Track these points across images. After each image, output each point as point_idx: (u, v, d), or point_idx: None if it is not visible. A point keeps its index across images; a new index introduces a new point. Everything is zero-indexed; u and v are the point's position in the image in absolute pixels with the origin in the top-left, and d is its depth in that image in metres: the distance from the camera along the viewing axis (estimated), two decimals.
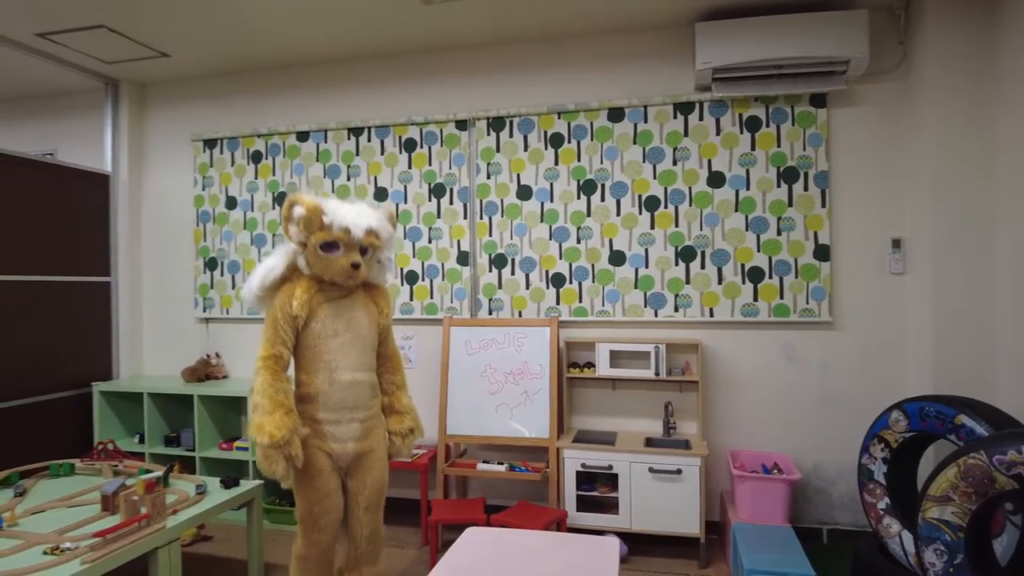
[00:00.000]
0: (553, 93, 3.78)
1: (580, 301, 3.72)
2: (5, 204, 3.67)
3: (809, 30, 3.16)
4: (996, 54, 3.02)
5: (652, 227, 3.63)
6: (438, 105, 3.96)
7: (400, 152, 4.01)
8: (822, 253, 3.42)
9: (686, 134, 3.59)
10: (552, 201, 3.77)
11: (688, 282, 3.59)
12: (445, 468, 3.58)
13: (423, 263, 3.97)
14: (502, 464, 3.52)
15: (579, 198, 3.73)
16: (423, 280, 3.98)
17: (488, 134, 3.86)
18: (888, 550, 2.72)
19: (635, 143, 3.65)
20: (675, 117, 3.60)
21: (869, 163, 3.40)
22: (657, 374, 3.46)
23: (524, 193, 3.81)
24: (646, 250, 3.64)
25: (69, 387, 4.04)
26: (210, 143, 4.38)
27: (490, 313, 3.87)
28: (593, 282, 3.71)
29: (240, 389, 3.84)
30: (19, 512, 2.57)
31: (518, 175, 3.82)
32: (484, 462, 3.57)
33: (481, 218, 3.88)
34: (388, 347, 2.62)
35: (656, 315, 3.62)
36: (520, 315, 3.82)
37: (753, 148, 3.51)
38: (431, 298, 3.96)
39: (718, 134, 3.55)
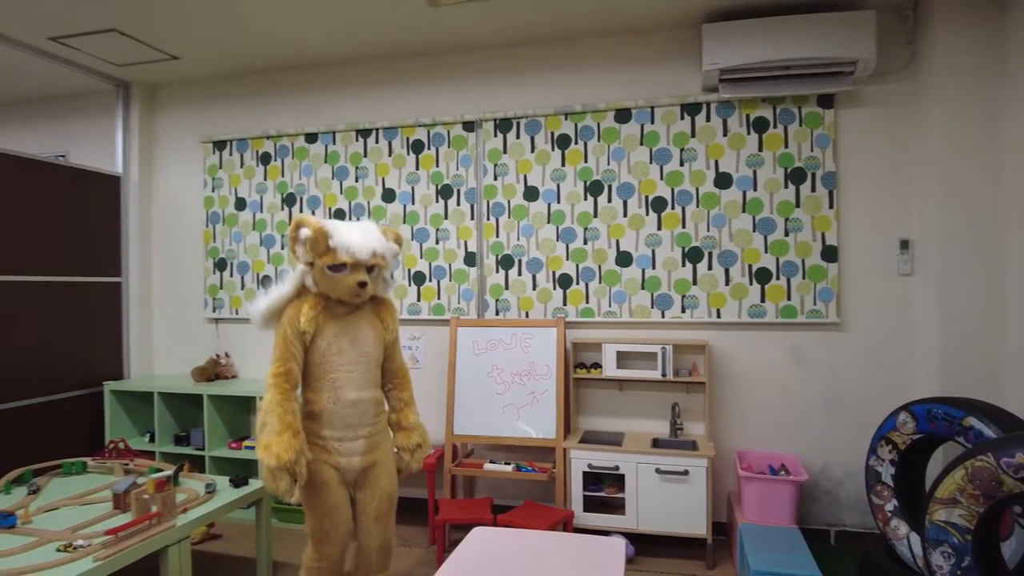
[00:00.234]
0: (560, 94, 3.79)
1: (587, 302, 3.73)
2: (19, 205, 3.71)
3: (816, 31, 3.15)
4: (1005, 55, 3.00)
5: (659, 228, 3.63)
6: (445, 107, 3.98)
7: (408, 153, 4.03)
8: (830, 254, 3.41)
9: (693, 135, 3.59)
10: (559, 202, 3.78)
11: (695, 283, 3.59)
12: (452, 468, 3.60)
13: (430, 264, 3.99)
14: (509, 464, 3.53)
15: (586, 199, 3.74)
16: (430, 281, 3.99)
17: (495, 135, 3.88)
18: (896, 552, 2.71)
19: (642, 144, 3.65)
20: (682, 118, 3.60)
21: (877, 164, 3.39)
22: (664, 375, 3.46)
23: (531, 194, 3.82)
24: (653, 251, 3.64)
25: (81, 386, 4.08)
26: (219, 145, 4.41)
27: (497, 314, 3.88)
28: (600, 283, 3.71)
29: (249, 389, 3.87)
30: (33, 510, 2.60)
31: (525, 176, 3.83)
32: (491, 462, 3.58)
33: (488, 219, 3.89)
34: (395, 362, 2.63)
35: (663, 316, 3.63)
36: (527, 316, 3.83)
37: (760, 149, 3.50)
38: (438, 299, 3.98)
39: (725, 135, 3.55)
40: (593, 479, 3.38)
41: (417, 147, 4.01)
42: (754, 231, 3.51)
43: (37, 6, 3.29)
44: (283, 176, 4.27)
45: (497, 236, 3.88)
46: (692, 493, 3.19)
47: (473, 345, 3.73)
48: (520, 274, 3.84)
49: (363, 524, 2.49)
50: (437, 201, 3.98)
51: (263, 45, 3.85)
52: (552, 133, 3.79)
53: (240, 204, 4.37)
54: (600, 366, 3.61)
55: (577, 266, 3.75)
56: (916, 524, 2.63)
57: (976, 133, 3.06)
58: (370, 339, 2.49)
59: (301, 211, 4.22)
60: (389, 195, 4.06)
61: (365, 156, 4.11)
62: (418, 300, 4.01)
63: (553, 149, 3.79)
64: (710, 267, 3.57)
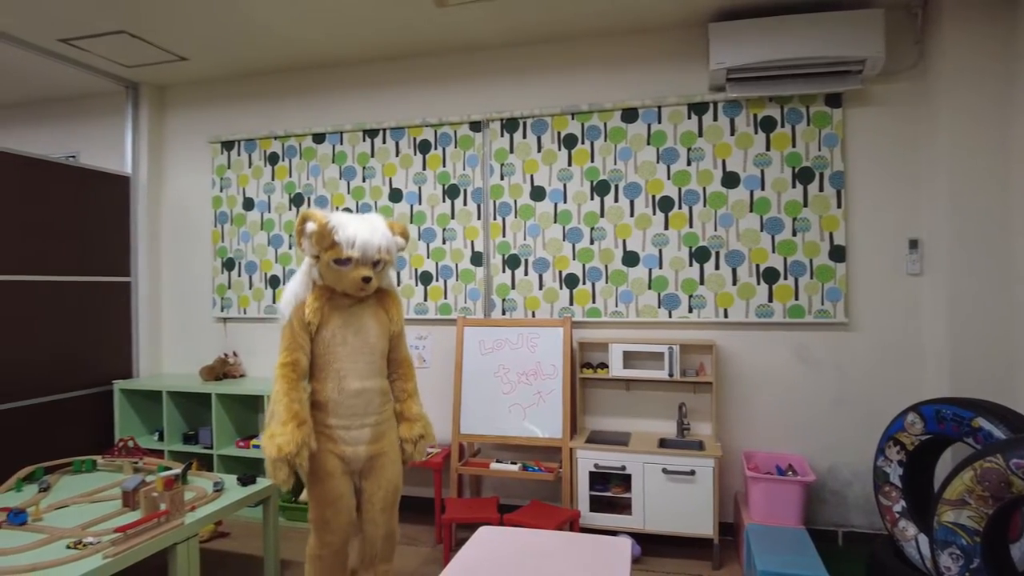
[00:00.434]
0: (567, 94, 3.79)
1: (593, 302, 3.73)
2: (30, 205, 3.75)
3: (824, 30, 3.14)
4: (1015, 55, 2.98)
5: (666, 228, 3.63)
6: (452, 107, 3.99)
7: (415, 153, 4.04)
8: (838, 254, 3.40)
9: (700, 134, 3.58)
10: (565, 202, 3.78)
11: (702, 283, 3.58)
12: (459, 467, 3.61)
13: (437, 263, 4.00)
14: (515, 464, 3.53)
15: (592, 199, 3.73)
16: (437, 280, 4.00)
17: (502, 135, 3.88)
18: (904, 554, 2.70)
19: (649, 143, 3.65)
20: (689, 117, 3.59)
21: (885, 163, 3.37)
22: (671, 375, 3.46)
23: (538, 194, 3.82)
24: (660, 251, 3.64)
25: (91, 385, 4.12)
26: (228, 145, 4.44)
27: (503, 313, 3.88)
28: (607, 283, 3.71)
29: (257, 388, 3.89)
30: (43, 507, 2.63)
31: (532, 176, 3.84)
32: (497, 462, 3.59)
33: (495, 219, 3.90)
34: (400, 353, 2.64)
35: (670, 316, 3.62)
36: (533, 315, 3.83)
37: (768, 148, 3.49)
38: (445, 298, 3.98)
39: (732, 134, 3.54)
40: (600, 479, 3.38)
41: (424, 147, 4.02)
42: (761, 231, 3.50)
43: (48, 8, 3.32)
44: (291, 176, 4.29)
45: (504, 236, 3.89)
46: (699, 493, 3.18)
47: (480, 345, 3.74)
48: (527, 274, 3.85)
49: (369, 514, 2.50)
50: (444, 201, 3.99)
51: (270, 46, 3.87)
52: (559, 133, 3.79)
53: (248, 204, 4.39)
54: (607, 366, 3.61)
55: (584, 266, 3.75)
56: (924, 525, 2.62)
57: (985, 132, 3.04)
58: (374, 330, 2.50)
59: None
60: (396, 195, 4.07)
61: (372, 156, 4.12)
62: (425, 300, 4.02)
63: (560, 149, 3.79)
64: (717, 267, 3.56)
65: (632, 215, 3.67)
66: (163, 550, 2.37)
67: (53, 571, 2.06)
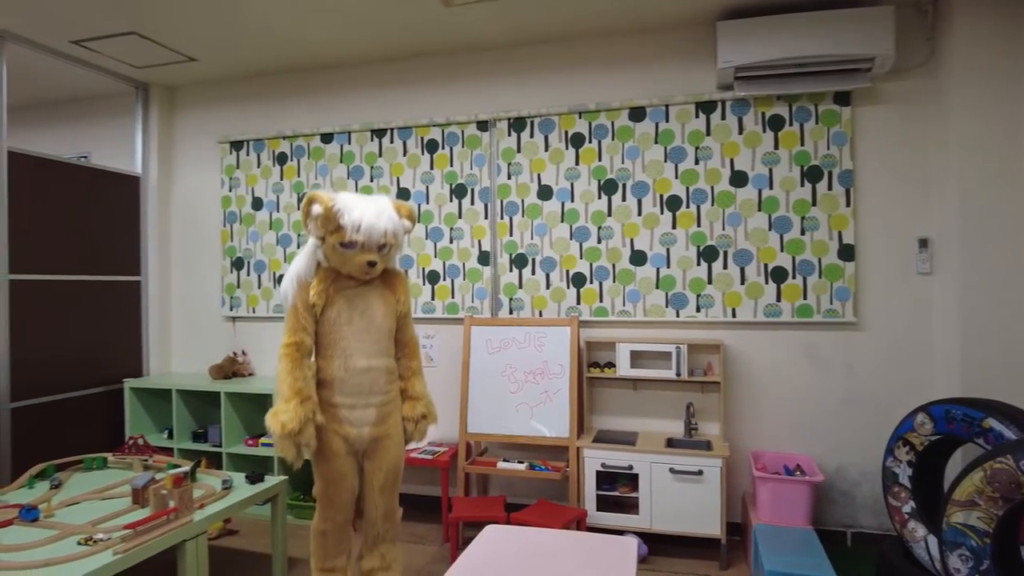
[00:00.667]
0: (574, 93, 3.79)
1: (601, 301, 3.73)
2: (42, 206, 3.79)
3: (833, 27, 3.12)
4: None
5: (674, 227, 3.62)
6: (459, 106, 3.99)
7: (422, 153, 4.05)
8: (846, 253, 3.38)
9: (708, 133, 3.57)
10: (573, 201, 3.78)
11: (710, 282, 3.57)
12: (466, 466, 3.61)
13: (444, 263, 4.01)
14: (522, 463, 3.53)
15: (600, 198, 3.73)
16: (444, 280, 4.01)
17: (509, 135, 3.88)
18: (913, 555, 2.68)
19: (656, 142, 3.64)
20: (697, 116, 3.58)
21: (895, 162, 3.34)
22: (678, 375, 3.45)
23: (545, 193, 3.82)
24: (667, 250, 3.63)
25: (101, 384, 4.16)
26: (236, 145, 4.46)
27: (511, 313, 3.89)
28: (614, 282, 3.71)
29: (265, 386, 3.91)
30: (55, 503, 2.66)
31: (539, 175, 3.84)
32: (504, 461, 3.59)
33: (502, 218, 3.90)
34: (406, 333, 2.65)
35: (678, 315, 3.61)
36: (540, 315, 3.83)
37: (776, 147, 3.48)
38: (452, 297, 3.99)
39: (740, 133, 3.52)
40: (607, 478, 3.38)
41: (431, 147, 4.03)
42: (770, 230, 3.49)
43: (60, 11, 3.36)
44: (299, 176, 4.31)
45: (511, 235, 3.89)
46: (706, 493, 3.17)
47: (487, 344, 3.74)
48: (534, 273, 3.85)
49: (369, 494, 2.55)
50: (451, 200, 4.00)
51: (279, 46, 3.89)
52: (566, 132, 3.79)
53: (257, 204, 4.41)
54: (614, 365, 3.61)
55: (591, 265, 3.74)
56: (934, 526, 2.60)
57: (997, 130, 3.02)
58: (381, 311, 2.52)
59: None
60: (404, 194, 4.08)
61: (380, 156, 4.13)
62: (432, 299, 4.03)
63: (567, 148, 3.78)
64: (725, 266, 3.54)
65: (640, 214, 3.67)
66: (172, 547, 2.39)
67: (64, 567, 2.08)
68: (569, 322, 3.65)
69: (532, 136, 3.84)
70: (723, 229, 3.55)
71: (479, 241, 3.94)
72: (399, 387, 2.62)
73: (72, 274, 3.97)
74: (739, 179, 3.53)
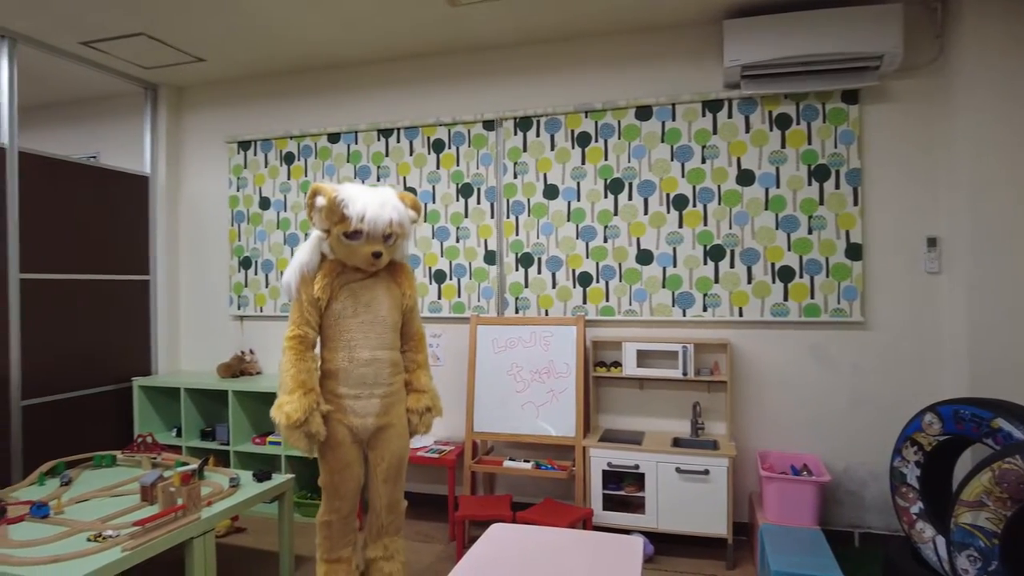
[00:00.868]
0: (580, 92, 3.78)
1: (607, 300, 3.72)
2: (53, 205, 3.82)
3: (840, 25, 3.10)
4: None
5: (680, 226, 3.61)
6: (466, 106, 4.00)
7: (428, 152, 4.06)
8: (854, 252, 3.36)
9: (715, 132, 3.56)
10: (579, 200, 3.77)
11: (717, 281, 3.56)
12: (472, 465, 3.62)
13: (451, 262, 4.02)
14: (528, 462, 3.54)
15: (606, 197, 3.73)
16: (451, 279, 4.02)
17: (515, 134, 3.89)
18: (921, 555, 2.67)
19: (663, 141, 3.63)
20: (703, 115, 3.57)
21: (903, 160, 3.32)
22: (685, 374, 3.44)
23: (551, 192, 3.82)
24: (674, 249, 3.62)
25: (111, 382, 4.19)
26: (244, 145, 4.49)
27: (517, 312, 3.89)
28: (620, 281, 3.70)
29: (273, 385, 3.92)
30: (65, 500, 2.68)
31: (545, 174, 3.84)
32: (511, 459, 3.59)
33: (508, 217, 3.90)
34: (412, 326, 2.66)
35: (684, 314, 3.60)
36: (547, 314, 3.83)
37: (783, 146, 3.46)
38: (458, 297, 4.00)
39: (747, 132, 3.51)
40: (613, 478, 3.38)
41: (438, 146, 4.04)
42: (777, 229, 3.47)
43: (70, 12, 3.38)
44: (306, 175, 4.33)
45: (517, 234, 3.89)
46: (713, 493, 3.17)
47: (493, 343, 3.75)
48: (540, 272, 3.85)
49: (372, 484, 2.57)
50: (457, 200, 4.00)
51: (286, 47, 3.91)
52: (572, 131, 3.78)
53: (264, 203, 4.44)
54: (620, 364, 3.60)
55: (597, 264, 3.74)
56: (942, 527, 2.58)
57: (1006, 129, 2.99)
58: (386, 304, 2.52)
59: None
60: (410, 194, 4.08)
61: (387, 155, 4.14)
62: (438, 298, 4.04)
63: (573, 147, 3.78)
64: (732, 265, 3.53)
65: (646, 213, 3.66)
66: (180, 544, 2.41)
67: (74, 563, 2.10)
68: (575, 321, 3.65)
69: (538, 135, 3.84)
70: (730, 228, 3.54)
71: (485, 240, 3.95)
72: (404, 380, 2.62)
73: (82, 273, 4.00)
74: (746, 178, 3.52)
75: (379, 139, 4.16)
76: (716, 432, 3.55)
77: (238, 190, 4.50)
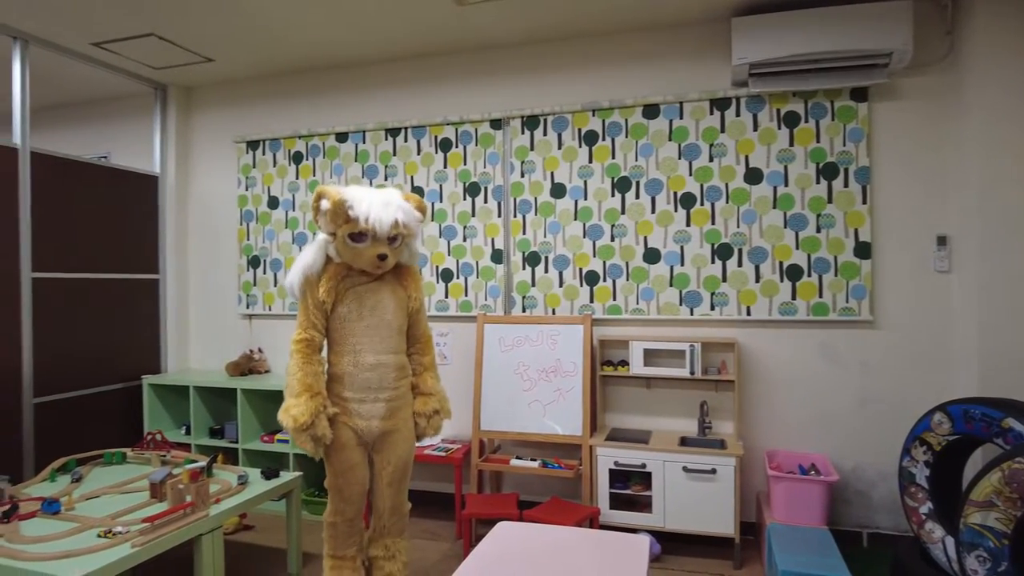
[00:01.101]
0: (587, 91, 3.78)
1: (614, 299, 3.72)
2: (63, 205, 3.85)
3: (849, 22, 3.08)
4: None
5: (688, 224, 3.60)
6: (473, 105, 4.00)
7: (436, 152, 4.07)
8: (863, 251, 3.34)
9: (723, 130, 3.54)
10: (586, 199, 3.77)
11: (725, 280, 3.54)
12: (479, 463, 3.62)
13: (458, 261, 4.02)
14: (535, 460, 3.54)
15: (613, 196, 3.72)
16: (458, 278, 4.02)
17: (522, 133, 3.89)
18: (930, 556, 2.65)
19: (670, 140, 3.62)
20: (711, 113, 3.56)
21: (913, 158, 3.30)
22: (692, 373, 3.43)
23: (558, 191, 3.82)
24: (681, 248, 3.61)
25: (121, 380, 4.22)
26: (253, 144, 4.51)
27: (524, 311, 3.89)
28: (627, 280, 3.70)
29: (281, 384, 3.93)
30: (76, 497, 2.71)
31: (552, 173, 3.84)
32: (517, 458, 3.60)
33: (515, 216, 3.91)
34: (418, 329, 2.66)
35: (692, 313, 3.59)
36: (554, 313, 3.83)
37: (791, 144, 3.45)
38: (465, 295, 4.00)
39: (755, 130, 3.50)
40: (620, 476, 3.37)
41: (445, 145, 4.05)
42: (785, 227, 3.46)
43: (81, 13, 3.41)
44: (314, 175, 4.35)
45: (524, 233, 3.89)
46: (720, 492, 3.16)
47: (500, 342, 3.75)
48: (547, 271, 3.85)
49: (377, 487, 2.58)
50: (465, 198, 4.01)
51: (294, 47, 3.93)
52: (579, 130, 3.78)
53: (273, 203, 4.46)
54: (627, 363, 3.60)
55: (604, 263, 3.74)
56: (952, 527, 2.57)
57: (1017, 127, 2.96)
58: (391, 307, 2.52)
59: None
60: (417, 193, 4.10)
61: (394, 155, 4.16)
62: (445, 297, 4.05)
63: (580, 146, 3.78)
64: (740, 264, 3.52)
65: (653, 212, 3.65)
66: (189, 541, 2.43)
67: (84, 558, 2.12)
68: (582, 320, 3.64)
69: (545, 134, 3.84)
70: (738, 227, 3.53)
71: (492, 239, 3.95)
72: (411, 382, 2.63)
73: (92, 272, 4.03)
74: (754, 176, 3.50)
75: (387, 138, 4.17)
76: (723, 431, 3.54)
77: (247, 189, 4.53)
